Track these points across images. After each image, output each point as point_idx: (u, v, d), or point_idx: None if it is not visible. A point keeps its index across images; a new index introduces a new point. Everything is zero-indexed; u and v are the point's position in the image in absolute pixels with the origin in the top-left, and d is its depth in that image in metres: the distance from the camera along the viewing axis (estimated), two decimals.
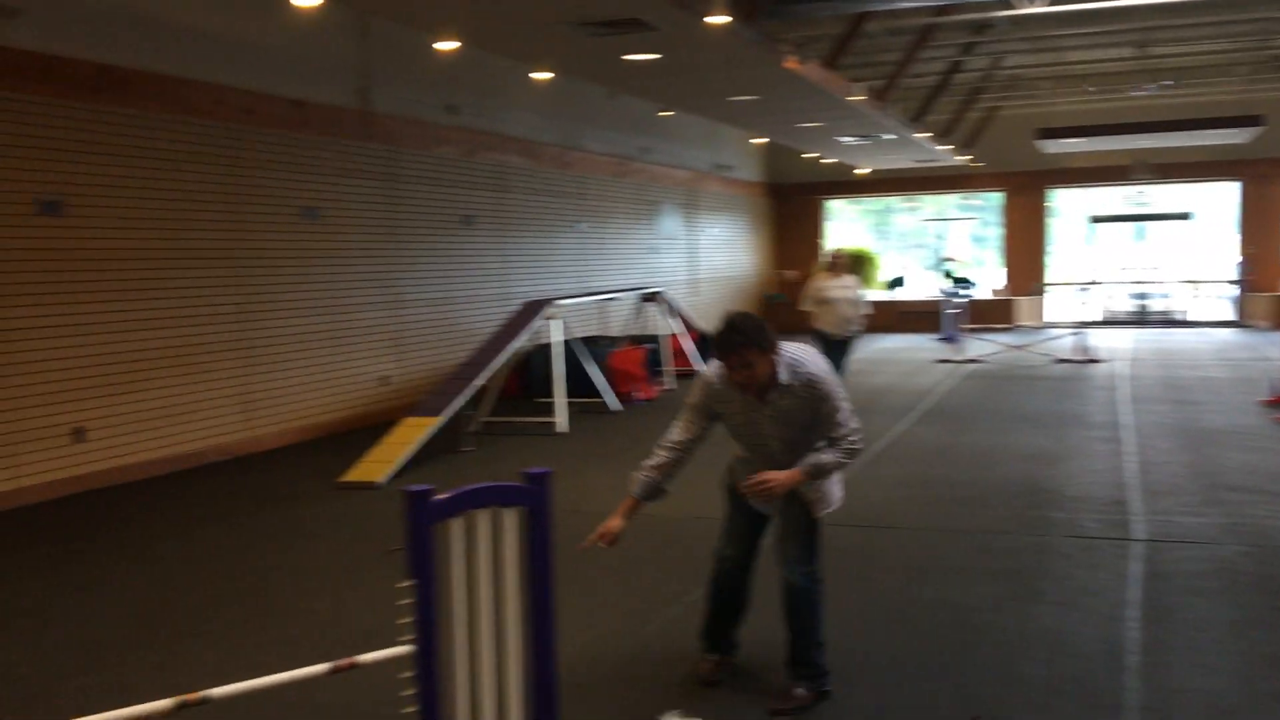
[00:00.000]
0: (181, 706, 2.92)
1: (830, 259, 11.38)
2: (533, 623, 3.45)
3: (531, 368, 12.96)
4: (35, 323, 8.20)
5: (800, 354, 4.14)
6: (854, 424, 4.17)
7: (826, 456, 4.13)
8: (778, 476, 4.11)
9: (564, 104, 15.38)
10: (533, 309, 11.60)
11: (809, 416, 4.13)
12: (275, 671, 3.28)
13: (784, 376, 4.07)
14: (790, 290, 24.80)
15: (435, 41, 10.26)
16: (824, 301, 10.99)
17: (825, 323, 10.98)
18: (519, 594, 3.45)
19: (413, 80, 12.34)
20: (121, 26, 8.88)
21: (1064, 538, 6.55)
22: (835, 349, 10.96)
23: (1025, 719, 4.06)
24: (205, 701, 3.02)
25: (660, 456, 4.28)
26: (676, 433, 4.30)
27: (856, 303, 11.05)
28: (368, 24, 11.56)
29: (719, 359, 4.10)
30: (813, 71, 11.75)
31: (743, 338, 3.98)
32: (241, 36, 10.06)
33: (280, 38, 10.49)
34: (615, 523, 4.18)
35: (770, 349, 4.02)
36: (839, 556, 5.94)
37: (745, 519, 4.43)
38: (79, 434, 8.55)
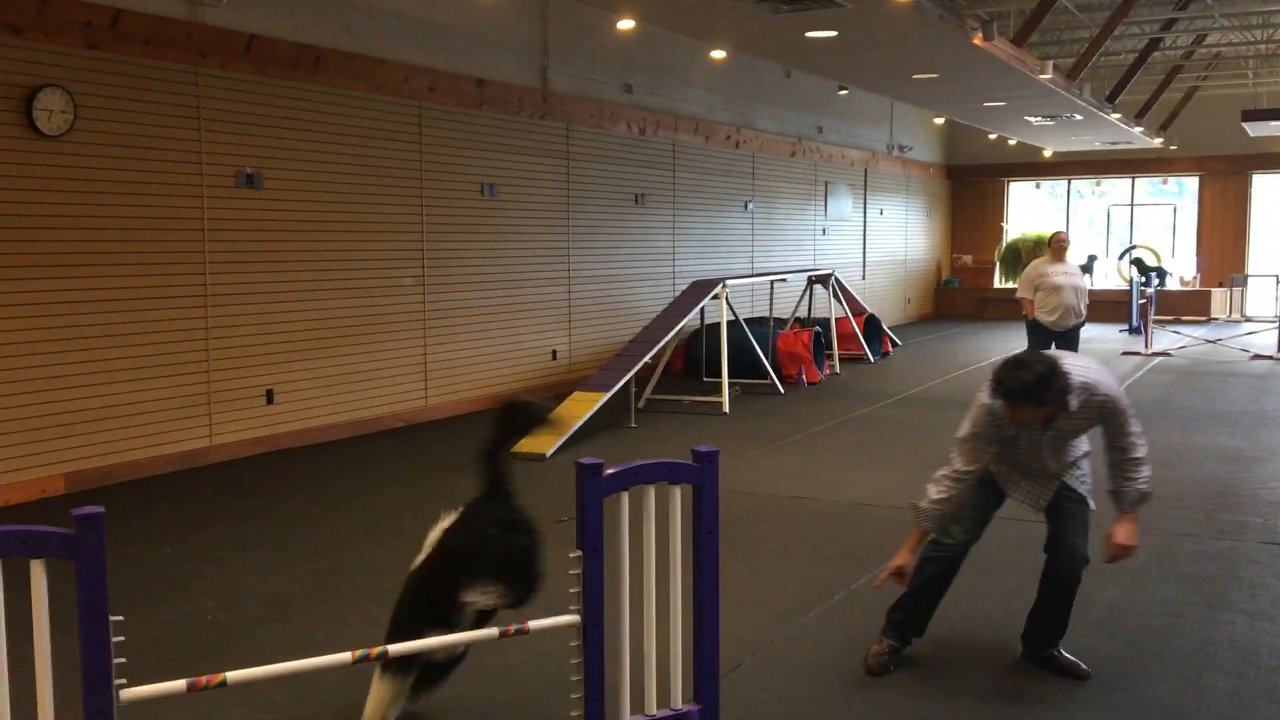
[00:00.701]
0: (360, 661, 3.05)
1: (1051, 241, 10.63)
2: (697, 600, 3.47)
3: (698, 347, 12.99)
4: (235, 289, 8.69)
5: (1090, 375, 4.04)
6: (1141, 436, 4.15)
7: (1141, 485, 4.16)
8: (1130, 541, 4.16)
9: (737, 82, 15.30)
10: (701, 288, 11.60)
11: (1089, 427, 4.15)
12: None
13: (1074, 405, 3.97)
14: (966, 276, 24.10)
15: (614, 19, 10.33)
16: (1045, 289, 10.28)
17: (1045, 313, 10.32)
18: (684, 570, 3.47)
19: (589, 59, 12.48)
20: (318, 6, 9.27)
21: (1259, 544, 6.17)
22: (1056, 342, 10.38)
23: None
24: (383, 656, 3.15)
25: (946, 488, 4.14)
26: (960, 463, 4.13)
27: (1081, 290, 10.39)
28: (547, 2, 11.75)
29: (1009, 406, 3.94)
30: (1000, 48, 11.32)
31: (1047, 397, 3.85)
32: (427, 16, 10.36)
33: (463, 17, 10.77)
34: (905, 559, 4.19)
35: (1066, 399, 3.91)
36: (1018, 552, 5.75)
37: (985, 508, 4.37)
38: (269, 396, 9.03)
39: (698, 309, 11.37)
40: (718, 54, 12.91)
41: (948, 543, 4.32)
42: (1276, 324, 16.59)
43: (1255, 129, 19.75)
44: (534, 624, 3.30)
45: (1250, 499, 7.24)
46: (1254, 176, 22.43)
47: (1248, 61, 19.32)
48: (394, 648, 3.19)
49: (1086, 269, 19.06)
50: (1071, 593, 4.26)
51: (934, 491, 4.14)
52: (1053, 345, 10.13)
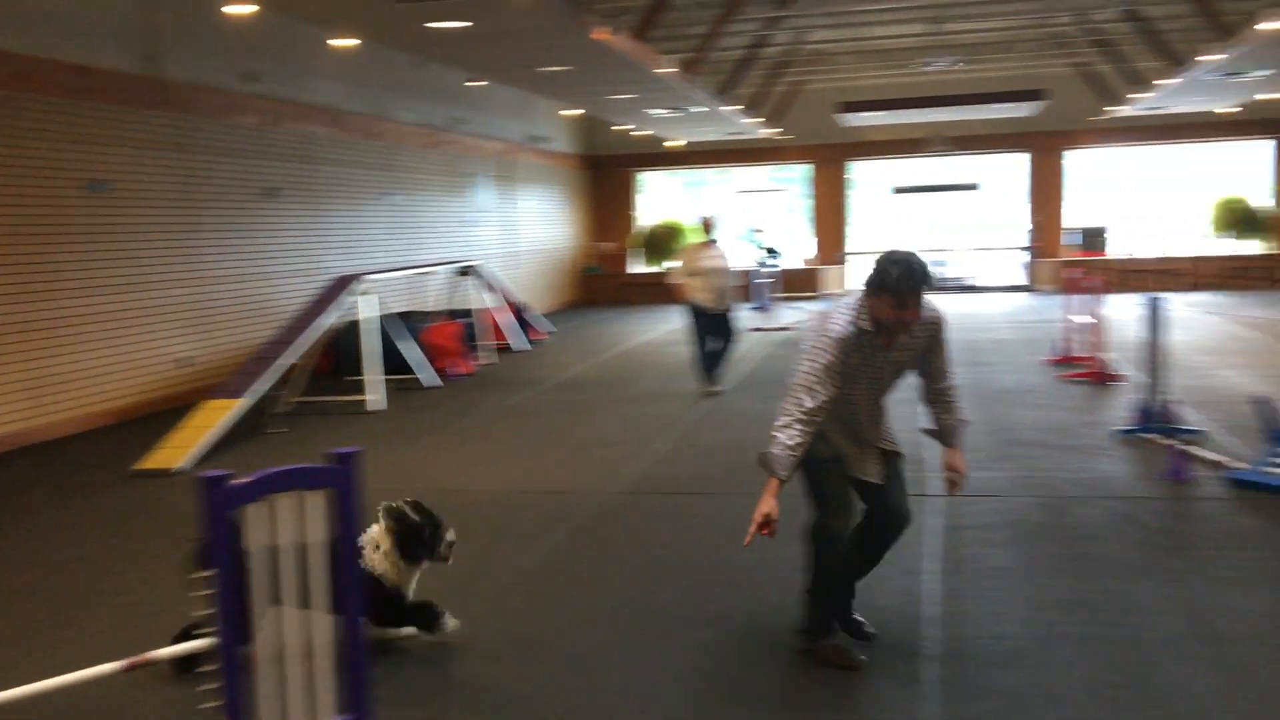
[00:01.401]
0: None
1: (702, 225, 11.06)
2: (343, 608, 3.36)
3: (344, 345, 12.61)
4: None
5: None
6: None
7: (962, 416, 4.38)
8: (961, 466, 4.37)
9: (371, 72, 14.95)
10: (343, 284, 11.27)
11: (916, 361, 4.21)
12: (69, 670, 3.09)
13: (925, 313, 4.05)
14: (608, 262, 24.94)
15: (222, 2, 9.78)
16: (698, 273, 10.70)
17: (700, 296, 10.73)
18: (327, 579, 3.35)
19: (207, 46, 11.74)
20: None
21: None
22: (712, 324, 10.88)
23: (830, 670, 4.20)
24: None
25: (799, 431, 3.93)
26: (811, 402, 3.93)
27: (730, 273, 10.90)
28: None
29: (899, 302, 3.90)
30: (622, 43, 11.77)
31: (924, 278, 3.91)
32: None
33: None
34: (770, 505, 3.95)
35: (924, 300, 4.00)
36: (655, 521, 6.03)
37: (851, 489, 4.26)
38: None
39: (341, 305, 11.03)
40: (348, 43, 12.55)
41: (842, 532, 4.24)
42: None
43: (850, 120, 21.76)
44: (160, 653, 3.07)
45: None
46: (851, 163, 24.75)
47: (842, 58, 21.23)
48: None
49: (773, 253, 20.25)
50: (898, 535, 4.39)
51: (785, 438, 3.94)
52: (712, 326, 10.76)
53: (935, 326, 4.18)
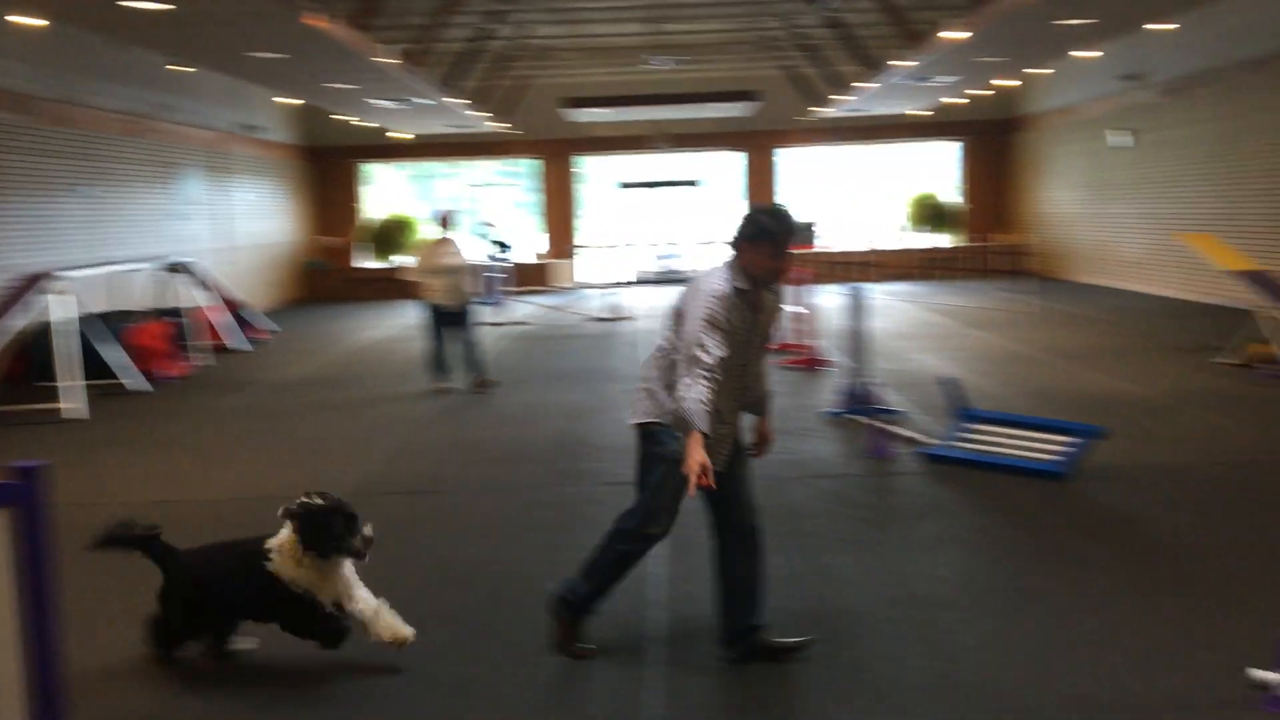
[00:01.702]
0: None
1: (439, 221, 10.77)
2: (32, 634, 3.09)
3: (37, 349, 11.57)
4: None
5: None
6: None
7: (769, 386, 4.41)
8: (772, 434, 4.45)
9: (62, 54, 13.78)
10: (31, 282, 10.35)
11: (777, 313, 4.24)
12: None
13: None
14: (333, 257, 24.13)
15: None
16: (436, 271, 10.42)
17: (438, 295, 10.47)
18: (14, 603, 3.07)
19: None
20: None
21: (599, 486, 6.95)
22: (449, 322, 10.60)
23: (562, 659, 4.25)
24: None
25: (706, 385, 3.84)
26: (708, 358, 3.86)
27: (468, 270, 10.69)
28: None
29: (777, 250, 3.98)
30: (338, 30, 11.40)
31: (795, 227, 4.02)
32: None
33: None
34: (703, 455, 3.78)
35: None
36: (384, 523, 5.88)
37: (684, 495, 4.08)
38: None
39: (31, 306, 10.12)
40: (33, 22, 11.49)
41: (655, 534, 4.20)
42: (612, 290, 18.76)
43: (574, 115, 22.05)
44: None
45: (591, 447, 8.12)
46: (579, 158, 25.10)
47: (566, 54, 21.46)
48: None
49: (503, 247, 19.98)
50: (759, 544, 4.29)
51: (696, 393, 3.83)
52: (450, 324, 10.53)
53: (779, 294, 4.26)
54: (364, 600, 4.25)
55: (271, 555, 4.18)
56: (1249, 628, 4.27)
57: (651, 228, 25.90)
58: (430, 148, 24.30)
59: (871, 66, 17.46)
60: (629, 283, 24.45)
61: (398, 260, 23.67)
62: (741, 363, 4.11)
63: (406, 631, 4.22)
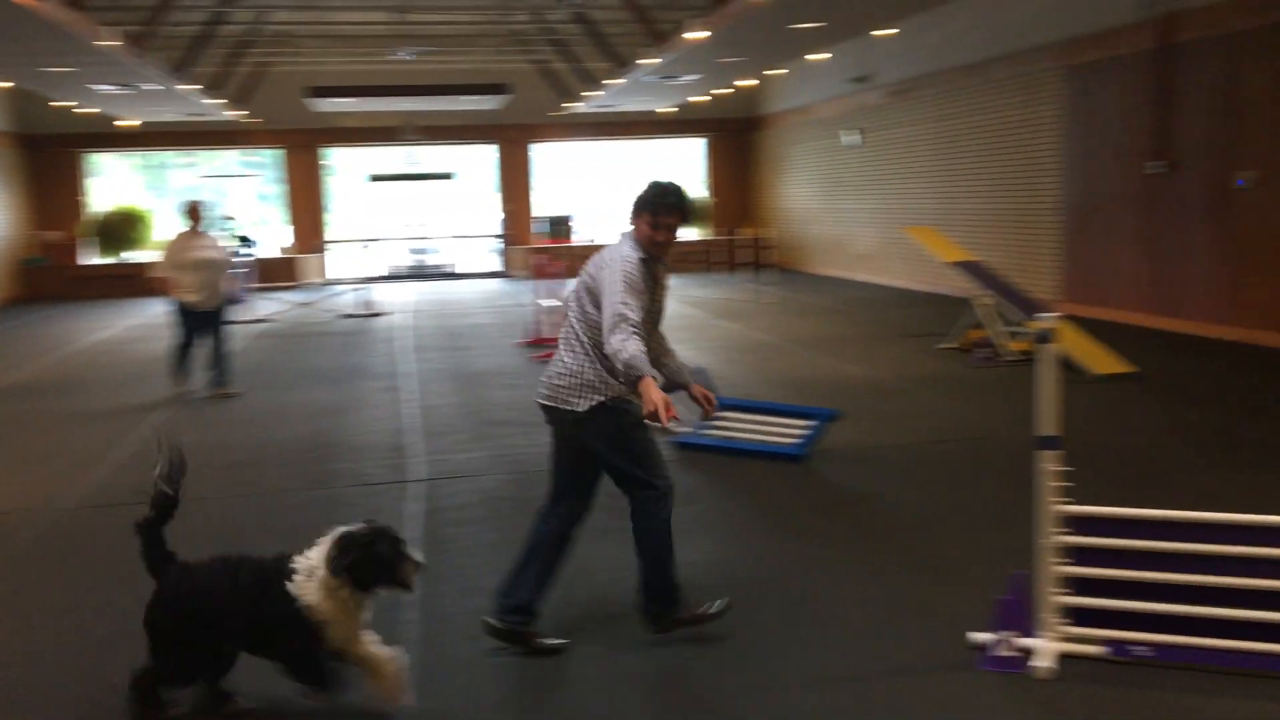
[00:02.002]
0: None
1: (187, 212, 9.89)
2: None
3: None
4: None
5: None
6: None
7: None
8: (709, 393, 4.47)
9: None
10: None
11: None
12: None
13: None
14: (54, 253, 22.36)
15: None
16: (185, 266, 9.58)
17: (189, 292, 9.65)
18: None
19: None
20: None
21: (348, 488, 6.77)
22: (201, 322, 9.80)
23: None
24: None
25: (639, 337, 3.99)
26: (634, 315, 4.03)
27: (223, 266, 9.98)
28: None
29: (665, 219, 4.21)
30: (52, 10, 10.57)
31: (681, 199, 4.29)
32: None
33: None
34: (660, 394, 3.87)
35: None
36: (115, 536, 5.52)
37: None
38: None
39: None
40: None
41: (669, 486, 4.24)
42: (364, 285, 18.27)
43: (320, 105, 21.34)
44: None
45: (342, 448, 7.89)
46: (326, 150, 24.31)
47: (308, 41, 20.71)
48: None
49: (246, 241, 18.86)
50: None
51: (632, 347, 3.93)
52: (201, 325, 9.82)
53: (668, 273, 4.44)
54: (374, 645, 3.69)
55: (297, 575, 3.59)
56: (969, 593, 4.61)
57: (404, 222, 25.42)
58: (163, 136, 22.89)
59: (619, 63, 17.77)
60: (381, 278, 23.91)
61: (131, 255, 22.21)
62: (648, 332, 4.21)
63: (406, 695, 3.74)
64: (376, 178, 25.07)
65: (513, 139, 24.60)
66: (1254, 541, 3.75)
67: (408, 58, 20.12)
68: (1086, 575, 3.94)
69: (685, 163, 26.26)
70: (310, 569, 3.59)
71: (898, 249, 18.46)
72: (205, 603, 3.59)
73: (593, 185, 26.09)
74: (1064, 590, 3.95)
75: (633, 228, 4.28)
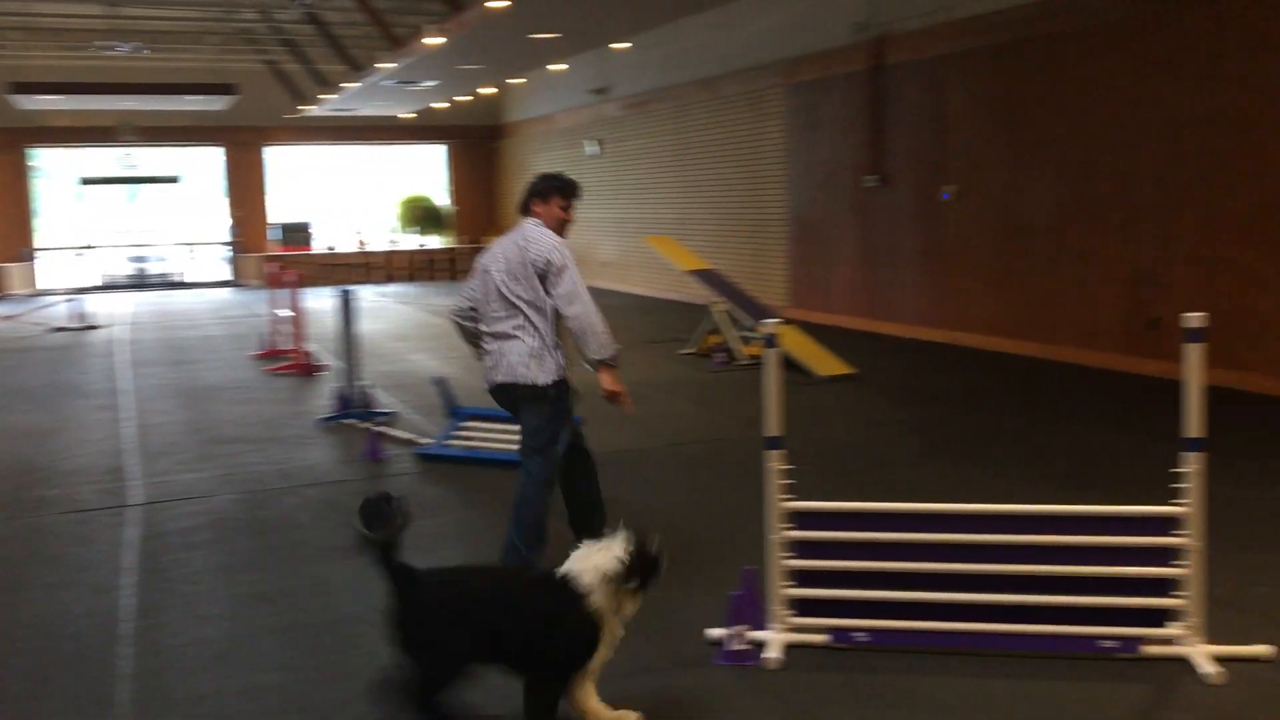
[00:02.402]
0: None
1: None
2: None
3: None
4: None
5: None
6: None
7: None
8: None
9: None
10: None
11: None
12: None
13: None
14: None
15: None
16: None
17: None
18: None
19: None
20: None
21: (58, 515, 6.25)
22: None
23: (18, 713, 3.77)
24: None
25: (603, 322, 4.75)
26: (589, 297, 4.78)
27: None
28: None
29: (573, 200, 4.94)
30: None
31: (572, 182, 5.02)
32: None
33: None
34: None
35: None
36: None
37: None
38: None
39: None
40: None
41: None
42: (77, 296, 16.96)
43: (24, 102, 19.69)
44: None
45: (51, 472, 7.29)
46: (31, 149, 22.43)
47: (10, 34, 19.07)
48: None
49: None
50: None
51: (606, 331, 4.72)
52: None
53: None
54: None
55: (585, 579, 3.45)
56: (709, 591, 4.75)
57: (123, 228, 23.81)
58: None
59: (355, 67, 17.32)
60: (98, 288, 22.29)
61: None
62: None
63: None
64: (89, 181, 23.37)
65: (243, 141, 23.52)
66: (961, 529, 4.06)
67: (125, 52, 18.87)
68: (809, 568, 4.14)
69: (427, 169, 25.92)
70: (600, 572, 3.46)
71: (639, 257, 18.89)
72: (481, 608, 3.44)
73: (331, 191, 25.32)
74: (790, 583, 4.15)
75: (536, 213, 4.86)
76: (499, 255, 4.78)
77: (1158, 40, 9.49)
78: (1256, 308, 8.80)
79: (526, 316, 4.71)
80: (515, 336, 4.72)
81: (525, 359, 4.70)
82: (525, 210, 4.90)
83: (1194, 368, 3.76)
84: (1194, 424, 3.80)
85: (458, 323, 5.07)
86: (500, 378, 4.78)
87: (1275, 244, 8.65)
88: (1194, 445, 3.82)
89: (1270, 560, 5.00)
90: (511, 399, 4.82)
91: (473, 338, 5.01)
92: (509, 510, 4.85)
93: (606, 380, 4.72)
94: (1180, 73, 9.31)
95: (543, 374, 4.69)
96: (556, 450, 4.86)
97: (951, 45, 11.78)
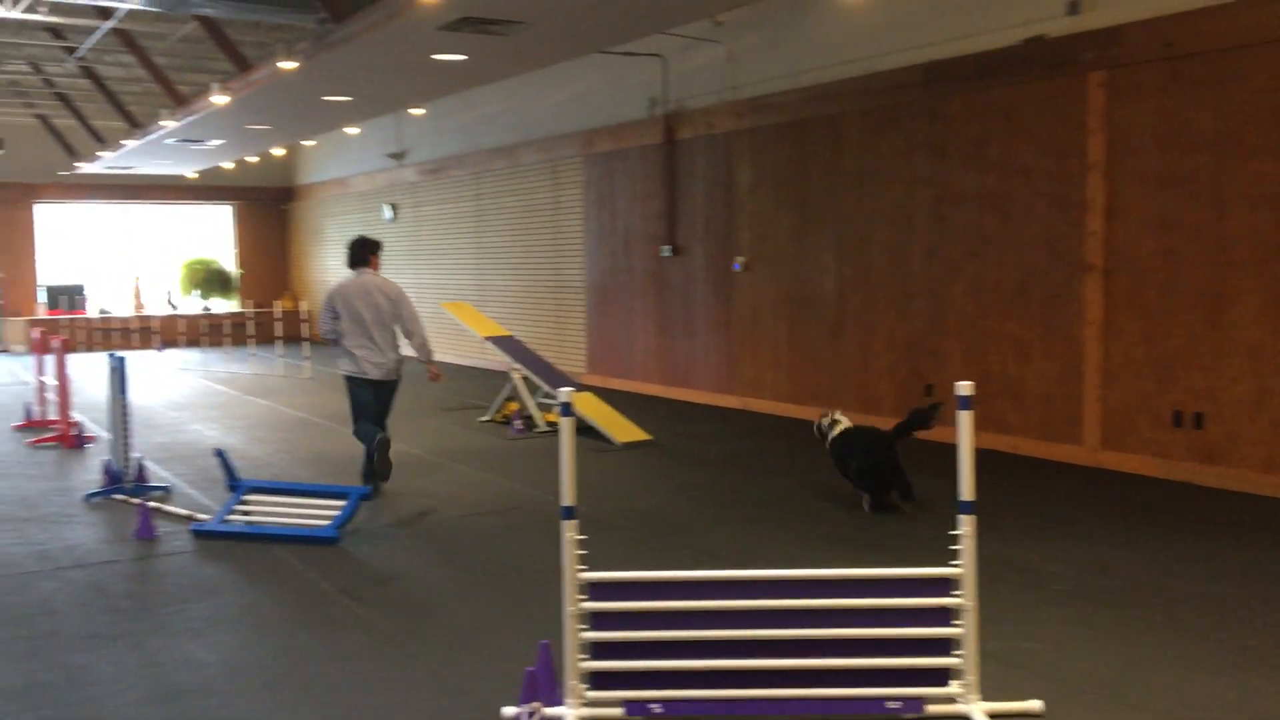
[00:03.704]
0: None
1: None
2: None
3: None
4: None
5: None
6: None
7: None
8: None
9: None
10: None
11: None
12: None
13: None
14: None
15: None
16: None
17: None
18: None
19: None
20: None
21: None
22: None
23: None
24: None
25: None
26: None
27: None
28: None
29: (379, 257, 8.37)
30: None
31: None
32: None
33: None
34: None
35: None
36: None
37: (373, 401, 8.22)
38: None
39: None
40: None
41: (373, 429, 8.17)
42: None
43: None
44: None
45: None
46: None
47: None
48: None
49: None
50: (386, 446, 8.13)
51: (428, 339, 8.36)
52: None
53: None
54: None
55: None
56: (505, 666, 4.64)
57: None
58: None
59: (135, 124, 16.56)
60: None
61: None
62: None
63: None
64: None
65: (11, 198, 22.04)
66: (752, 595, 4.10)
67: None
68: (602, 639, 4.10)
69: (215, 230, 24.96)
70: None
71: (438, 324, 18.65)
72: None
73: (109, 252, 23.99)
74: (585, 655, 4.09)
75: (367, 265, 8.23)
76: (364, 292, 8.04)
77: (928, 125, 10.13)
78: (1022, 375, 9.41)
79: (393, 332, 8.11)
80: (388, 346, 8.09)
81: (396, 361, 8.16)
82: (364, 263, 8.20)
83: (965, 434, 3.95)
84: (966, 487, 3.98)
85: (331, 339, 8.13)
86: (383, 375, 8.11)
87: (1035, 316, 9.30)
88: (966, 508, 4.00)
89: (1037, 615, 5.28)
90: (385, 388, 8.18)
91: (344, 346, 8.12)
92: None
93: (433, 368, 8.54)
94: (948, 155, 9.95)
95: (402, 369, 8.24)
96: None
97: (737, 123, 12.24)
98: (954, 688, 4.05)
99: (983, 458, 7.80)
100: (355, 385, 8.14)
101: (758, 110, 11.98)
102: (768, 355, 12.16)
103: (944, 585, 4.05)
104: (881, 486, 7.29)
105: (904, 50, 10.31)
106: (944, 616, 4.04)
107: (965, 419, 3.94)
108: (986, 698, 4.09)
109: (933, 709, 4.05)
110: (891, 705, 4.03)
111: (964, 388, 3.96)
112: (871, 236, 10.80)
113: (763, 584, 4.13)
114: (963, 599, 4.00)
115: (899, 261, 10.54)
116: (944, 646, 4.05)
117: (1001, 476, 8.43)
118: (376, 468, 7.96)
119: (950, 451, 4.12)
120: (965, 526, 4.00)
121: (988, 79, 9.52)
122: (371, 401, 8.11)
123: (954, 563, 4.02)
